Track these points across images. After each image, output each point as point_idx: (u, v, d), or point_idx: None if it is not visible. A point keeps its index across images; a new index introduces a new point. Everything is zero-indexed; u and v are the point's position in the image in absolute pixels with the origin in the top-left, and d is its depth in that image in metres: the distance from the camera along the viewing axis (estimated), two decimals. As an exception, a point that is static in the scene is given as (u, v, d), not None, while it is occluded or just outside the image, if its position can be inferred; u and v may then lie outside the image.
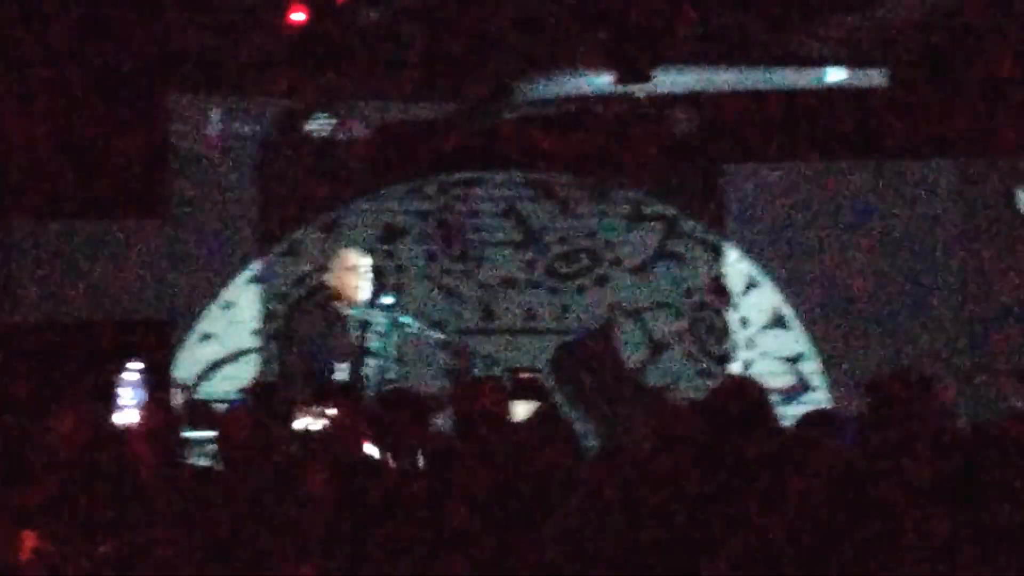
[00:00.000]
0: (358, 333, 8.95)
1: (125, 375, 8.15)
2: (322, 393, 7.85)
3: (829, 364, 11.31)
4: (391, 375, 8.98)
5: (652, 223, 11.44)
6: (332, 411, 7.10)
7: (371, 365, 8.83)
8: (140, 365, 8.20)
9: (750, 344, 11.41)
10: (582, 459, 5.30)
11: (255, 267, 11.11)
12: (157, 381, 8.61)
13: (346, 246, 9.84)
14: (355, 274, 8.97)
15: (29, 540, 4.09)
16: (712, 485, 4.12)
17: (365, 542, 4.35)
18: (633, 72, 9.71)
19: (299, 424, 7.48)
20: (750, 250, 11.44)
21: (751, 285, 11.44)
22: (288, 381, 8.91)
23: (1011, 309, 11.04)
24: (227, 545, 4.14)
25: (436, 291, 11.28)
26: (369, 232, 11.16)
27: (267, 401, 8.15)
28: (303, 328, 9.12)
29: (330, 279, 9.07)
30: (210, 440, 7.27)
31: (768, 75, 10.77)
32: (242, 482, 5.22)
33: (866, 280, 11.30)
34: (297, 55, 9.97)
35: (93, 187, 10.58)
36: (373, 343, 8.85)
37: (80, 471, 4.97)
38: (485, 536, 3.99)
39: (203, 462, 6.78)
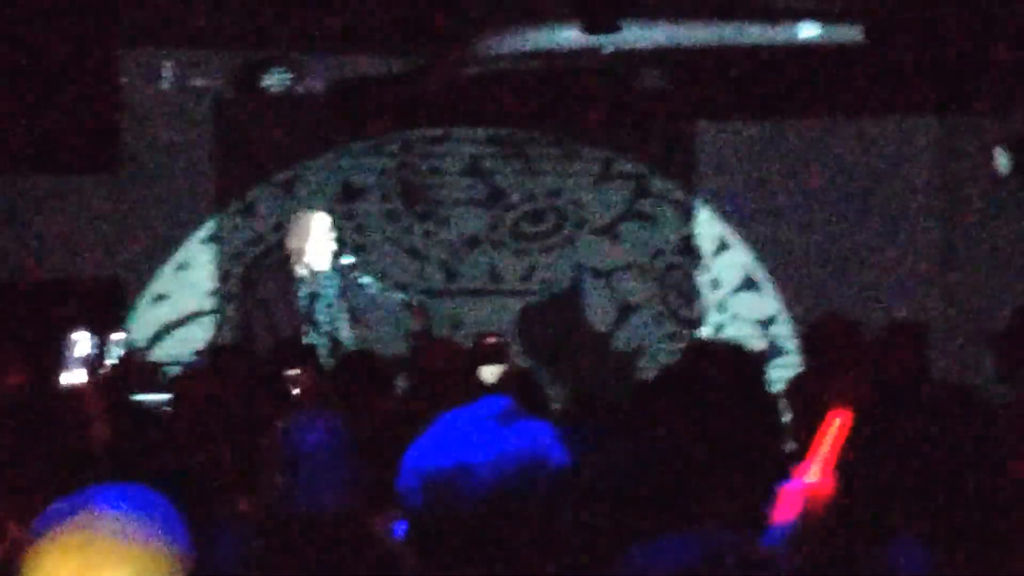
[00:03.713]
0: (306, 301, 8.76)
1: (74, 335, 7.88)
2: (280, 355, 7.61)
3: (801, 327, 11.10)
4: (347, 343, 8.77)
5: (621, 182, 11.20)
6: (292, 373, 6.94)
7: (319, 333, 8.64)
8: (90, 325, 7.94)
9: (721, 307, 11.20)
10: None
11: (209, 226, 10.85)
12: (108, 341, 8.36)
13: (304, 205, 9.62)
14: (313, 236, 8.78)
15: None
16: None
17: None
18: (600, 21, 9.42)
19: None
20: (721, 210, 11.23)
21: (722, 246, 11.23)
22: (247, 342, 8.74)
23: (989, 269, 10.88)
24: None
25: (398, 251, 11.01)
26: (328, 190, 10.87)
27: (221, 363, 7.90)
28: (259, 290, 8.97)
29: (287, 240, 8.91)
30: (162, 403, 7.04)
31: (740, 30, 10.53)
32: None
33: (840, 240, 11.13)
34: (254, 7, 9.70)
35: (42, 141, 10.26)
36: (320, 314, 8.66)
37: (27, 429, 4.71)
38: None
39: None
